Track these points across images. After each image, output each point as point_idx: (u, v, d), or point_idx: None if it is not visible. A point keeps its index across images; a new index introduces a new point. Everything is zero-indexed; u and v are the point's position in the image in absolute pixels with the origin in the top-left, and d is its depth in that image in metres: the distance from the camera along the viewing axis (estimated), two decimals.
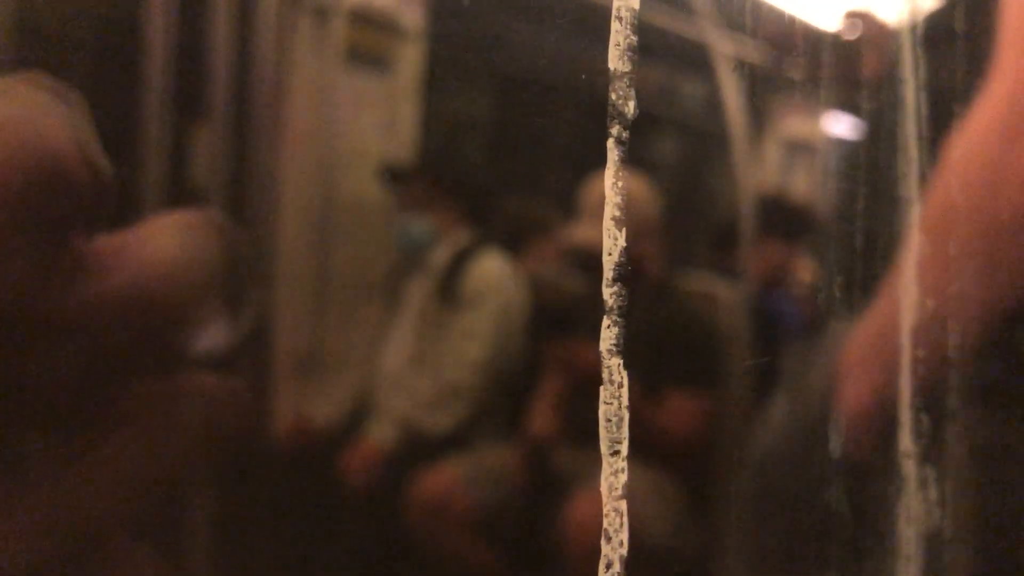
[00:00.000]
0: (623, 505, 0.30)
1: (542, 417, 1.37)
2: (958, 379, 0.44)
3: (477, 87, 1.70)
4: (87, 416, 0.20)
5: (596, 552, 0.30)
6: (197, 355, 0.21)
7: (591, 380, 0.32)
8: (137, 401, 0.20)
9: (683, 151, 1.61)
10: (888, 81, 0.50)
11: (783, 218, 1.50)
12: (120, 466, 0.20)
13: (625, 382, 0.31)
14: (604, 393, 0.31)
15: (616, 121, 0.30)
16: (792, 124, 1.61)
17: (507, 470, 1.40)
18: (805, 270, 1.41)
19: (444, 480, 1.40)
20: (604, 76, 0.31)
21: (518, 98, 1.64)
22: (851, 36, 0.57)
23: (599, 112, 0.30)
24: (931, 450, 0.42)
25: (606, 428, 0.31)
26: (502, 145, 1.69)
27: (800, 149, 1.59)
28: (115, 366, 0.20)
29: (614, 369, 0.31)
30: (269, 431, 1.40)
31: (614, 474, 0.30)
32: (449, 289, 1.52)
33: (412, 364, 1.52)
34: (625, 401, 0.31)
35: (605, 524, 0.30)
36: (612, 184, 0.30)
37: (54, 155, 0.19)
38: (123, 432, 0.20)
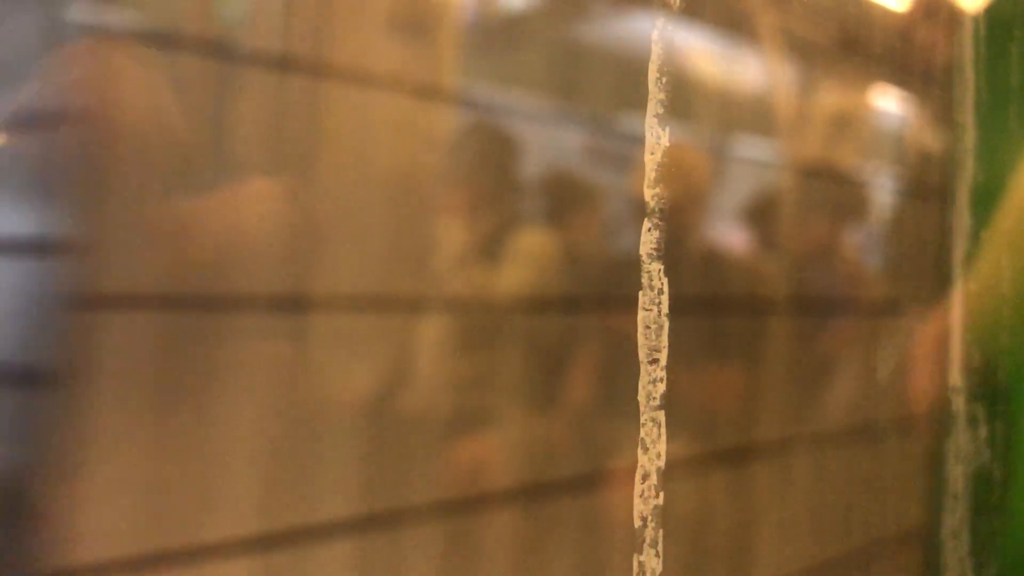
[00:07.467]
0: (661, 415, 0.29)
1: (579, 389, 1.36)
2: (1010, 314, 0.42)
3: (520, 54, 1.69)
4: (166, 384, 0.20)
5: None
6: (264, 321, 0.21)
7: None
8: (213, 370, 0.20)
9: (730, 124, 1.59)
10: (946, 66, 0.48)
11: (826, 193, 1.48)
12: (196, 434, 0.20)
13: (666, 288, 0.29)
14: (643, 299, 0.29)
15: (661, 12, 0.28)
16: (841, 98, 1.58)
17: (544, 442, 1.39)
18: (848, 247, 1.38)
19: (481, 451, 1.39)
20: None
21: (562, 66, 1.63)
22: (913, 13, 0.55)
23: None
24: (980, 387, 0.41)
25: (644, 335, 0.29)
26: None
27: (849, 124, 1.56)
28: (193, 333, 0.20)
29: (654, 274, 0.29)
30: (306, 399, 1.40)
31: (652, 383, 0.29)
32: (488, 261, 1.51)
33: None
34: (665, 308, 0.29)
35: (642, 434, 0.29)
36: (656, 79, 0.28)
37: (163, 126, 0.18)
38: (196, 401, 0.20)
